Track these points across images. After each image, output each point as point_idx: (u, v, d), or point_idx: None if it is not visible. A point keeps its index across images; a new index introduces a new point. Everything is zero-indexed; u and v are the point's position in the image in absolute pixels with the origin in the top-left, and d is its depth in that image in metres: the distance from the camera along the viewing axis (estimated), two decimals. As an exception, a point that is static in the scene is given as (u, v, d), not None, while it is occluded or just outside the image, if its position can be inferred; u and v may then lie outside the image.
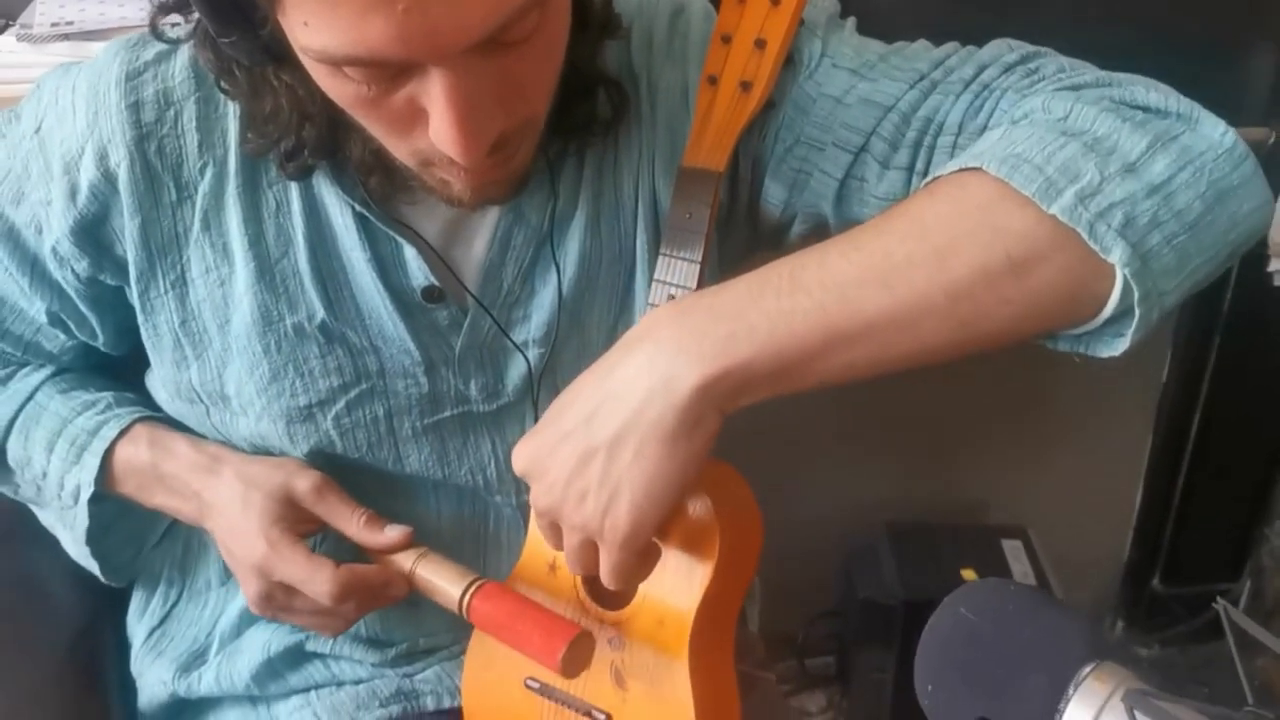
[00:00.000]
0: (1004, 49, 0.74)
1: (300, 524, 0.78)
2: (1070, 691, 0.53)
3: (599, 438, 0.64)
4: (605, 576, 0.68)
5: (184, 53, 0.74)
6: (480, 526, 0.85)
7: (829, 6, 0.79)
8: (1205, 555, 1.84)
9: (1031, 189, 0.61)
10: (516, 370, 0.81)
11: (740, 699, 0.79)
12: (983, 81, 0.72)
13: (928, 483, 1.75)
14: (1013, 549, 1.67)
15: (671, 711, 0.74)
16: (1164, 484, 1.80)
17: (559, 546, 0.70)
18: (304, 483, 0.78)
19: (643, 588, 0.75)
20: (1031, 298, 0.62)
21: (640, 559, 0.67)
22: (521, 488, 0.84)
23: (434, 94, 0.59)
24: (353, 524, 0.78)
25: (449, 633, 0.86)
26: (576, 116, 0.75)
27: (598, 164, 0.78)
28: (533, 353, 0.80)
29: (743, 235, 0.84)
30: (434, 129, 0.61)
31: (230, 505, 0.78)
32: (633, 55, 0.79)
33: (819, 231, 0.80)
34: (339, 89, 0.62)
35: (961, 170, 0.64)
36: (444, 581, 0.76)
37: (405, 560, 0.78)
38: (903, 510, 1.74)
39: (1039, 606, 0.57)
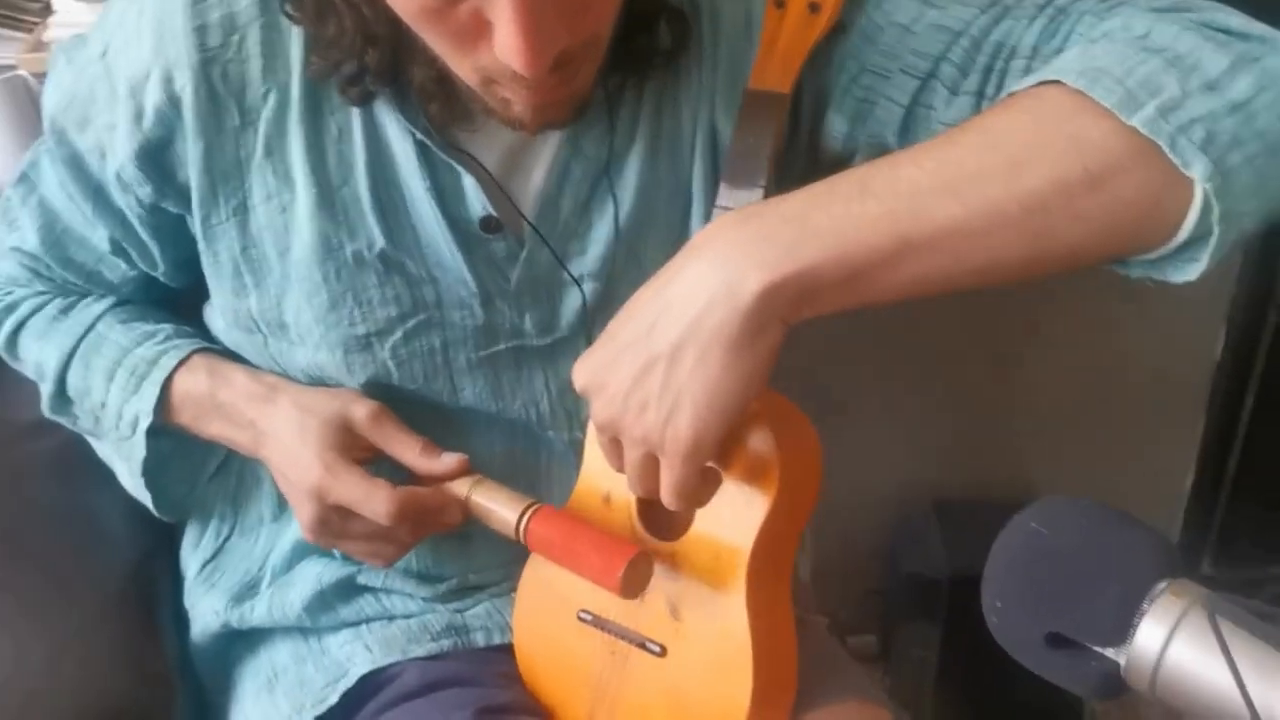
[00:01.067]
0: None
1: (356, 451, 0.78)
2: (1145, 605, 0.52)
3: (660, 346, 0.63)
4: (666, 493, 0.67)
5: None
6: (533, 463, 0.85)
7: None
8: (1256, 539, 1.80)
9: (1112, 100, 0.60)
10: (571, 304, 0.80)
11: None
12: (1058, 5, 0.71)
13: (974, 461, 1.73)
14: (1061, 527, 1.64)
15: (727, 644, 0.73)
16: (1215, 465, 1.77)
17: (620, 466, 0.69)
18: (361, 410, 0.79)
19: (699, 518, 0.75)
20: (1107, 213, 0.60)
21: (701, 476, 0.66)
22: (574, 424, 0.83)
23: (500, 5, 0.59)
24: (410, 451, 0.79)
25: (500, 569, 0.86)
26: (637, 47, 0.74)
27: (657, 97, 0.78)
28: (588, 286, 0.80)
29: (800, 170, 0.83)
30: (499, 41, 0.60)
31: (286, 432, 0.79)
32: None
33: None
34: (405, 1, 0.62)
35: (1039, 84, 0.63)
36: (500, 507, 0.76)
37: (461, 487, 0.78)
38: (949, 489, 1.72)
39: (1112, 521, 0.56)
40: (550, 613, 0.81)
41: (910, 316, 1.19)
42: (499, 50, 0.61)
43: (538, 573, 0.82)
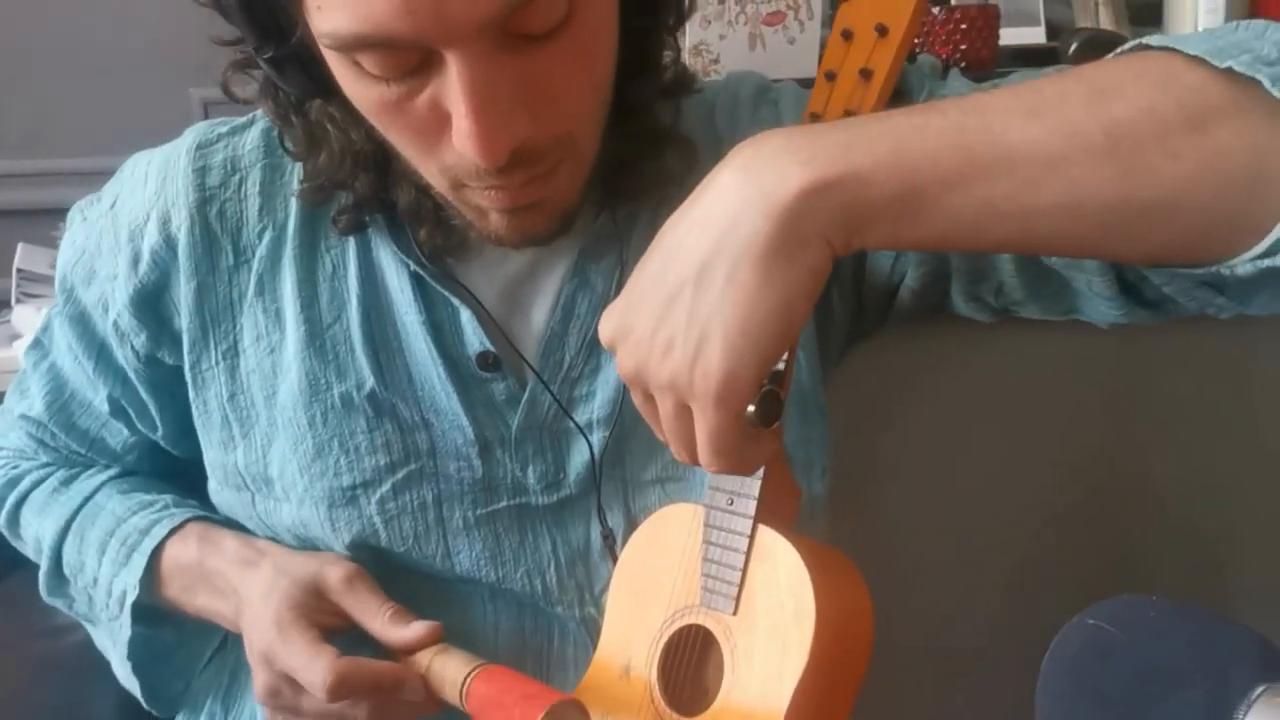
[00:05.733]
0: None
1: (323, 615, 0.71)
2: (1240, 714, 0.40)
3: (685, 271, 0.52)
4: (704, 451, 0.54)
5: (258, 127, 0.75)
6: (543, 643, 0.75)
7: (933, 62, 0.75)
8: None
9: (1201, 49, 0.52)
10: (579, 457, 0.73)
11: None
12: None
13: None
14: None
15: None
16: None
17: (660, 430, 0.57)
18: (336, 572, 0.72)
19: (726, 684, 0.64)
20: (1209, 158, 0.51)
21: (742, 430, 0.54)
22: (587, 598, 0.74)
23: (451, 87, 0.57)
24: (377, 618, 0.70)
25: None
26: (643, 175, 0.71)
27: None
28: (596, 437, 0.73)
29: (846, 316, 0.78)
30: (455, 129, 0.58)
31: (257, 596, 0.72)
32: (716, 122, 0.76)
33: (934, 285, 0.74)
34: (363, 93, 0.60)
35: (1118, 54, 0.56)
36: (451, 673, 0.67)
37: (424, 658, 0.69)
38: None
39: (1191, 618, 0.44)
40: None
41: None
42: (456, 138, 0.58)
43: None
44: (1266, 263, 0.52)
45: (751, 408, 0.53)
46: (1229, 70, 0.51)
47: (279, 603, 0.70)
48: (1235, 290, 0.56)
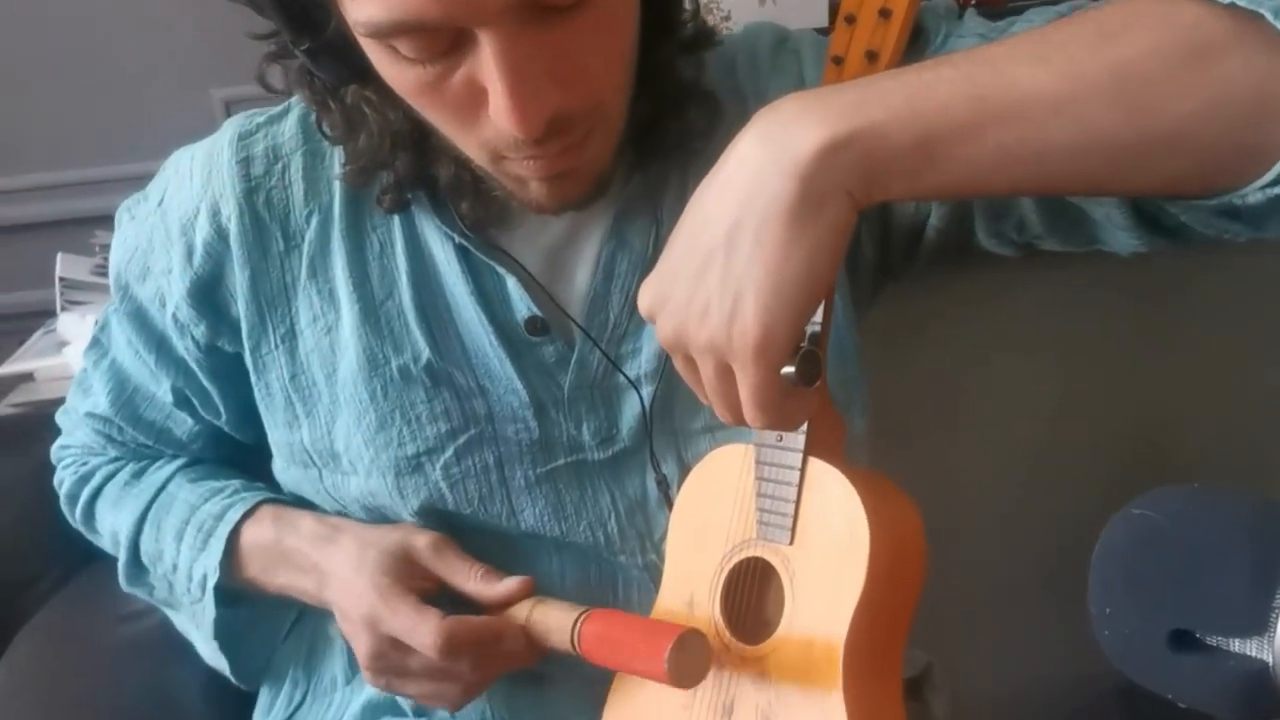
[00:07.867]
0: None
1: (415, 580, 0.74)
2: (1286, 584, 0.42)
3: (714, 237, 0.54)
4: (748, 408, 0.56)
5: (294, 114, 0.77)
6: (608, 591, 0.78)
7: (948, 2, 0.76)
8: None
9: None
10: (630, 410, 0.76)
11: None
12: None
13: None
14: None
15: (825, 751, 0.63)
16: None
17: (703, 393, 0.60)
18: (422, 539, 0.76)
19: (787, 615, 0.66)
20: (1215, 91, 0.52)
21: (782, 387, 0.55)
22: (648, 546, 0.77)
23: (485, 64, 0.59)
24: (470, 579, 0.74)
25: (582, 715, 0.77)
26: (670, 132, 0.73)
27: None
28: (646, 390, 0.75)
29: (874, 256, 0.80)
30: (492, 104, 0.60)
31: (345, 567, 0.76)
32: (738, 75, 0.78)
33: (958, 222, 0.75)
34: (400, 76, 0.62)
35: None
36: (555, 620, 0.70)
37: (521, 611, 0.73)
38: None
39: (1233, 499, 0.46)
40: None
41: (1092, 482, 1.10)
42: (493, 113, 0.60)
43: (618, 712, 0.73)
44: (1276, 190, 0.54)
45: (791, 369, 0.56)
46: (1232, 5, 0.53)
47: (374, 571, 0.73)
48: (1249, 217, 0.57)
